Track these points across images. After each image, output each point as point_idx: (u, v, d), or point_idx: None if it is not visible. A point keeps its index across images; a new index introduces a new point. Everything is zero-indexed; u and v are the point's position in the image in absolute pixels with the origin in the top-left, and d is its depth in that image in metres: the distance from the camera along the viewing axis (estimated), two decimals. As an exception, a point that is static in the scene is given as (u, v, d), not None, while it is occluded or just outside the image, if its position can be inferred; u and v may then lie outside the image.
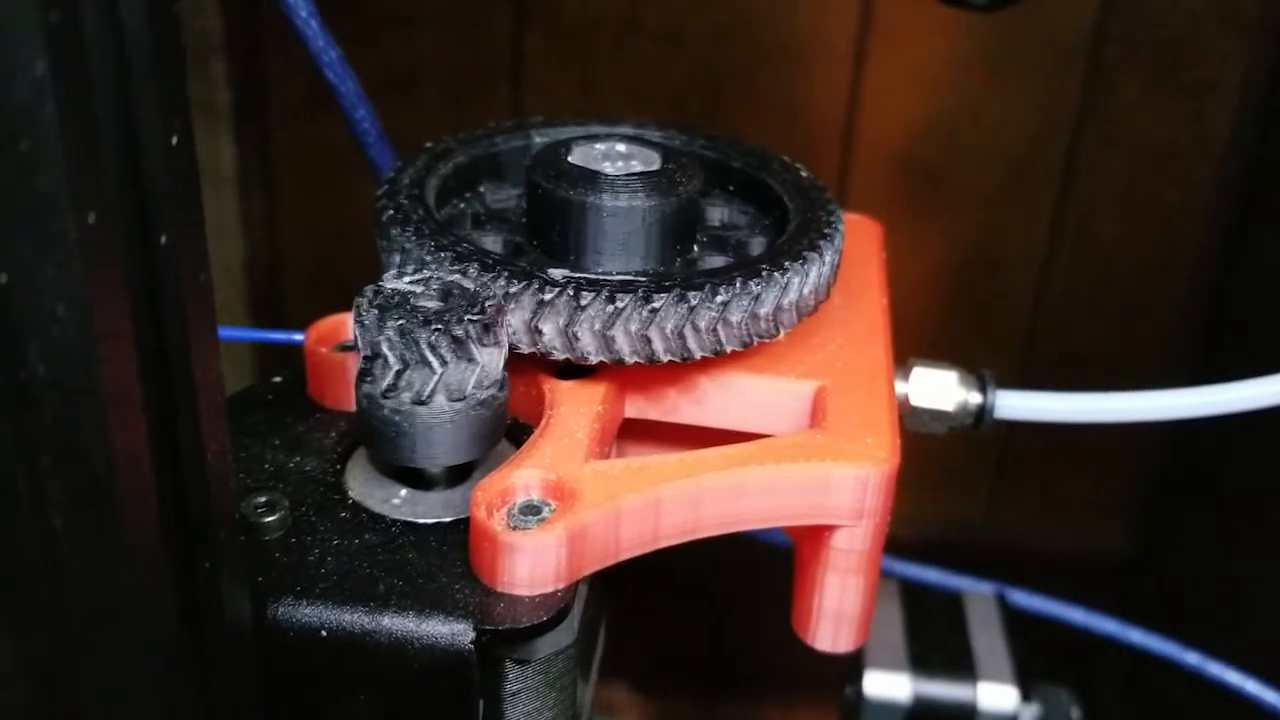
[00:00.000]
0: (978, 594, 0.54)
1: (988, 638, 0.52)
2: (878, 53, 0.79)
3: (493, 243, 0.37)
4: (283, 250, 0.87)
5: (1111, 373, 0.84)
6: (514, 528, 0.30)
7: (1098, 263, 0.84)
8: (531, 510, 0.31)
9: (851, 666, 0.52)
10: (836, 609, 0.35)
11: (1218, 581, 0.80)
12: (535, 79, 0.82)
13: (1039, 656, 0.56)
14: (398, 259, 0.34)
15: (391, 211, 0.35)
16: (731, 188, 0.41)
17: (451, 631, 0.30)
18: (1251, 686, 0.52)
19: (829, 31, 0.79)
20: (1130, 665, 0.68)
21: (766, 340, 0.34)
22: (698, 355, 0.33)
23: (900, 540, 0.85)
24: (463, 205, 0.39)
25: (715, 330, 0.33)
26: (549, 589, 0.30)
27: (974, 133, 0.81)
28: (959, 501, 0.93)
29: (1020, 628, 0.55)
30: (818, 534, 0.34)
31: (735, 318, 0.33)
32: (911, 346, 0.42)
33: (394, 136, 0.45)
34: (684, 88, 0.81)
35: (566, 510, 0.31)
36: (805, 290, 0.34)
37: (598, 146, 0.37)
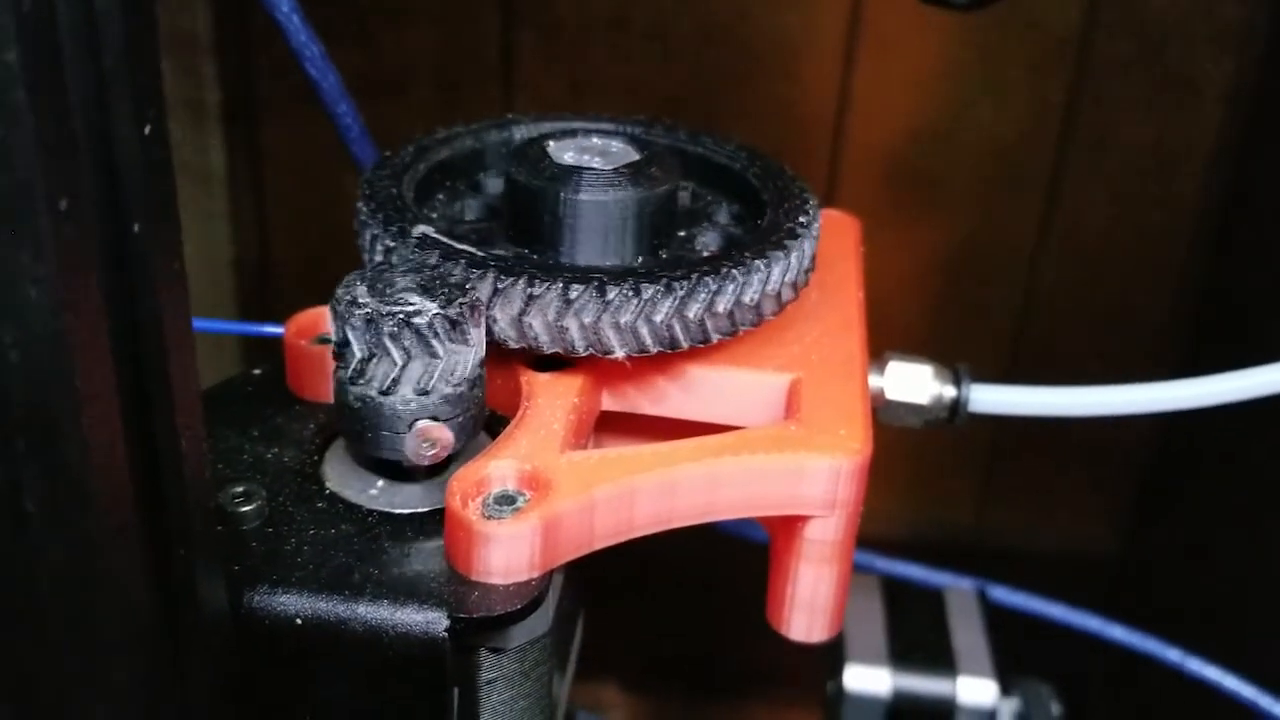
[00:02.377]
0: (958, 589, 0.54)
1: (968, 633, 0.52)
2: (867, 53, 0.80)
3: (472, 235, 0.37)
4: (272, 247, 0.88)
5: (1100, 372, 0.85)
6: (489, 517, 0.30)
7: (1086, 262, 0.84)
8: (506, 500, 0.31)
9: (833, 661, 0.52)
10: (810, 599, 0.35)
11: (1203, 579, 0.80)
12: (525, 77, 0.82)
13: (1026, 653, 0.56)
14: (376, 253, 0.35)
15: (370, 204, 0.36)
16: (709, 182, 0.41)
17: (425, 620, 0.30)
18: (1230, 682, 0.52)
19: (819, 32, 0.80)
20: (1117, 662, 0.68)
21: (738, 333, 0.35)
22: (654, 349, 0.33)
23: (888, 539, 0.86)
24: (444, 198, 0.40)
25: (675, 323, 0.33)
26: (523, 578, 0.31)
27: (963, 133, 0.81)
28: (947, 500, 0.94)
29: (1008, 625, 0.55)
30: (791, 525, 0.34)
31: (697, 311, 0.33)
32: (900, 345, 0.42)
33: (384, 135, 0.46)
34: (674, 87, 0.82)
35: (541, 500, 0.31)
36: (777, 284, 0.35)
37: (577, 141, 0.38)
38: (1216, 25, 0.77)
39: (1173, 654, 0.53)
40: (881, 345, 0.41)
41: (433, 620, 0.30)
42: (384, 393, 0.31)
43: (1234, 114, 0.78)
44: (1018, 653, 0.54)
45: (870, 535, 0.68)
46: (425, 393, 0.31)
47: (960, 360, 0.42)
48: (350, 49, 0.80)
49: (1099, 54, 0.78)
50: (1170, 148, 0.80)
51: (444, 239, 0.34)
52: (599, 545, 0.32)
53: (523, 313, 0.33)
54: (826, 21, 0.79)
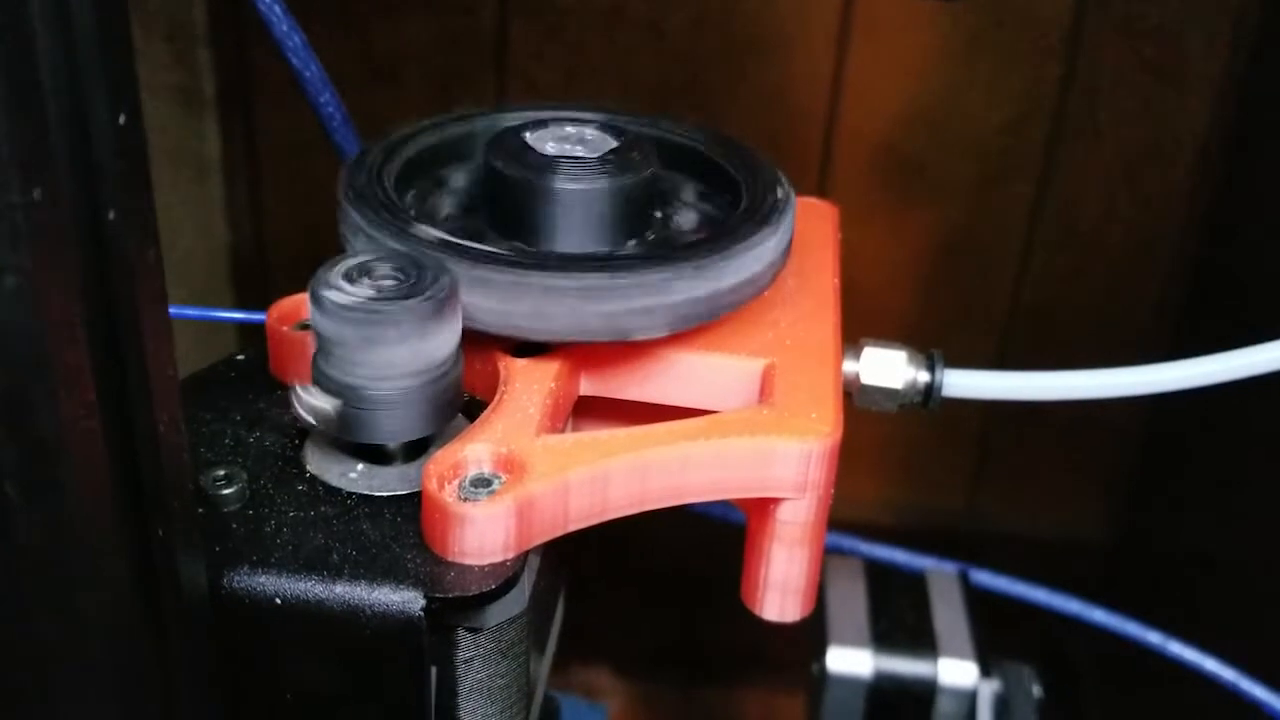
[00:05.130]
0: (941, 572, 0.55)
1: (950, 615, 0.52)
2: (860, 41, 0.80)
3: (451, 224, 0.38)
4: (268, 235, 0.88)
5: (1092, 360, 0.85)
6: (464, 499, 0.31)
7: (1078, 250, 0.85)
8: (482, 483, 0.32)
9: (816, 643, 0.53)
10: (783, 579, 0.36)
11: (1192, 564, 0.80)
12: (519, 67, 0.83)
13: (1014, 637, 0.57)
14: (354, 239, 0.35)
15: (350, 193, 0.36)
16: (685, 169, 0.41)
17: (402, 599, 0.31)
18: (1210, 665, 0.53)
19: (811, 20, 0.80)
20: (1102, 645, 0.69)
21: (717, 318, 0.35)
22: (634, 336, 0.34)
23: (880, 526, 0.86)
24: (424, 188, 0.40)
25: (653, 308, 0.34)
26: (498, 559, 0.31)
27: (955, 121, 0.82)
28: (939, 487, 0.94)
29: (996, 610, 0.56)
30: (764, 507, 0.35)
31: (677, 297, 0.34)
32: (892, 331, 0.43)
33: (378, 123, 0.46)
34: (667, 76, 0.82)
35: (516, 482, 0.31)
36: (754, 270, 0.35)
37: (554, 130, 0.38)
38: (1208, 14, 0.77)
39: (1154, 637, 0.54)
40: (872, 332, 0.42)
41: (409, 600, 0.31)
42: (370, 379, 0.32)
43: (1226, 103, 0.79)
44: (1005, 637, 0.55)
45: (861, 521, 0.69)
46: (404, 377, 0.32)
47: (952, 347, 0.43)
48: (344, 37, 0.80)
49: (1091, 42, 0.78)
50: (1162, 137, 0.80)
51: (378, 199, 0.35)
52: (574, 527, 0.33)
53: (506, 300, 0.34)
54: (819, 9, 0.79)
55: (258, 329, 0.40)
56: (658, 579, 0.93)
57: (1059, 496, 0.93)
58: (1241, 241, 0.78)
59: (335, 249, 0.37)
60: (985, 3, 0.77)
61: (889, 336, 0.42)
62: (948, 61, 0.80)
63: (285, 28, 0.40)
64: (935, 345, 0.42)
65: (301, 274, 0.34)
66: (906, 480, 0.94)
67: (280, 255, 0.89)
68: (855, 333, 0.40)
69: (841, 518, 0.35)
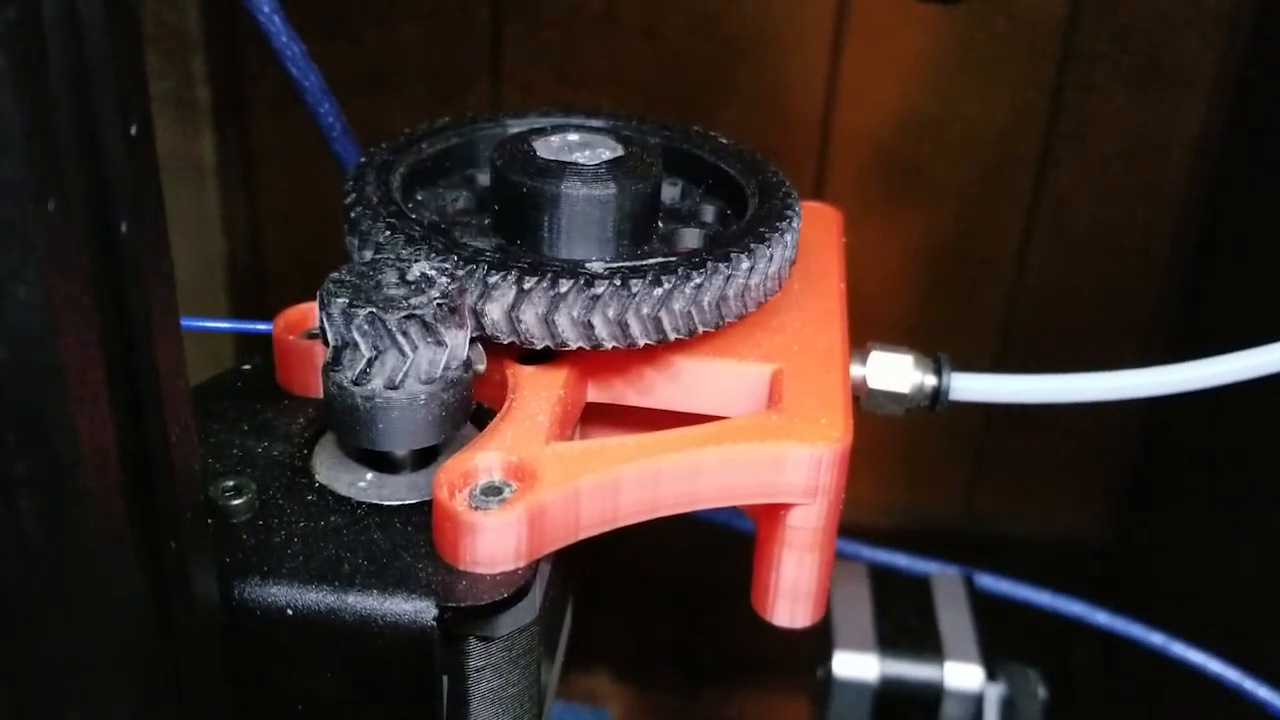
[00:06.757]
0: (945, 576, 0.55)
1: (955, 619, 0.52)
2: (855, 45, 0.80)
3: (459, 231, 0.38)
4: (265, 244, 0.88)
5: (1086, 362, 0.85)
6: (475, 508, 0.31)
7: (1073, 253, 0.85)
8: (493, 491, 0.32)
9: (821, 648, 0.52)
10: (793, 585, 0.36)
11: (1192, 565, 0.81)
12: (515, 72, 0.83)
13: (1015, 639, 0.56)
14: (361, 247, 0.35)
15: (355, 200, 0.36)
16: (691, 176, 0.41)
17: (414, 609, 0.30)
18: (1215, 665, 0.53)
19: (807, 23, 0.80)
20: (1104, 647, 0.69)
21: (723, 325, 0.35)
22: (640, 342, 0.34)
23: (879, 529, 0.86)
24: (429, 195, 0.40)
25: (659, 316, 0.34)
26: (510, 567, 0.31)
27: (950, 124, 0.82)
28: (938, 490, 0.94)
29: (997, 612, 0.56)
30: (774, 512, 0.35)
31: (684, 305, 0.34)
32: (889, 334, 0.43)
33: (375, 131, 0.46)
34: (662, 79, 0.82)
35: (527, 490, 0.31)
36: (761, 276, 0.35)
37: (561, 136, 0.38)
38: (1200, 15, 0.77)
39: (1156, 638, 0.54)
40: (870, 335, 0.42)
41: (421, 609, 0.30)
42: (384, 387, 0.32)
43: (1218, 103, 0.79)
44: (1006, 639, 0.55)
45: (861, 525, 0.69)
46: (413, 385, 0.32)
47: (949, 349, 0.43)
48: (340, 44, 0.80)
49: (1083, 44, 0.79)
50: (1155, 137, 0.80)
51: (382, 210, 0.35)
52: (584, 534, 0.33)
53: (513, 307, 0.33)
54: (814, 13, 0.79)
55: (254, 339, 0.40)
56: (657, 583, 0.93)
57: (1059, 499, 0.93)
58: (1238, 241, 0.78)
59: (332, 257, 0.37)
60: (980, 5, 0.78)
61: (886, 340, 0.42)
62: (943, 64, 0.81)
63: (285, 38, 0.40)
64: (932, 348, 0.42)
65: (298, 283, 0.34)
66: (905, 483, 0.94)
67: (277, 264, 0.88)
68: (853, 336, 0.40)
69: (839, 521, 0.35)
